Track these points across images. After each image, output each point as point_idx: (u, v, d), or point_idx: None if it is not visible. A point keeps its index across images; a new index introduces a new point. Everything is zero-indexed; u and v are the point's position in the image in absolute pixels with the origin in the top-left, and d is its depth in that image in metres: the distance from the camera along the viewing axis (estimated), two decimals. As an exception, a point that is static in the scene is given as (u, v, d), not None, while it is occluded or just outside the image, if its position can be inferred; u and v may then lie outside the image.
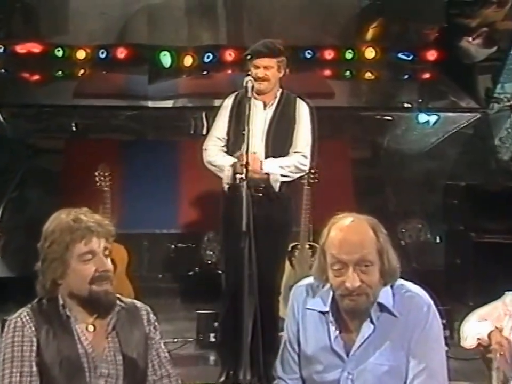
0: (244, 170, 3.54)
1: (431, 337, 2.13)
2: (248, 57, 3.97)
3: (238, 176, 3.68)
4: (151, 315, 2.24)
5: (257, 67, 3.92)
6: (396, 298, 2.14)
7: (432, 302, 2.17)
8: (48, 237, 2.09)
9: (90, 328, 2.11)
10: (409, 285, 2.21)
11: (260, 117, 3.94)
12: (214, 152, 3.99)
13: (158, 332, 2.24)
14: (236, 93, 4.05)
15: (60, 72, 6.73)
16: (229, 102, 4.05)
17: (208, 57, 6.55)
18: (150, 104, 6.54)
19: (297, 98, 4.07)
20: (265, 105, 3.99)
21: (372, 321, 2.12)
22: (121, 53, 6.54)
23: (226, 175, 3.88)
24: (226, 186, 3.90)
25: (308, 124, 4.02)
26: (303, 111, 4.03)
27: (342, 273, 2.06)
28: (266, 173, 3.88)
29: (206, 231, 6.01)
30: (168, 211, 6.06)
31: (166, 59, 6.49)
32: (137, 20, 6.59)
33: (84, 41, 6.58)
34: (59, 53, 6.55)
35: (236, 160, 3.84)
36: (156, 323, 2.23)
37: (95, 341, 2.10)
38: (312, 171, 4.78)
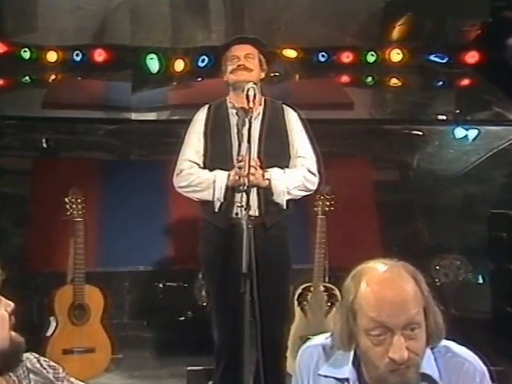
0: (245, 198, 3.50)
1: None
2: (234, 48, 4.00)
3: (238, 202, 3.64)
4: (41, 359, 2.22)
5: (235, 56, 3.96)
6: (440, 365, 2.02)
7: (485, 369, 2.06)
8: None
9: None
10: (454, 346, 2.09)
11: (245, 131, 3.90)
12: (195, 170, 3.96)
13: (57, 367, 2.23)
14: (209, 105, 4.09)
15: (27, 78, 6.72)
16: (202, 115, 4.07)
17: (202, 61, 6.54)
18: (134, 116, 6.51)
19: (284, 106, 4.11)
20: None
21: None
22: (99, 56, 6.53)
23: (218, 185, 3.84)
24: (218, 204, 3.89)
25: (304, 134, 4.05)
26: (294, 120, 4.07)
27: (383, 340, 1.91)
28: (267, 179, 3.83)
29: (200, 267, 5.94)
30: (154, 244, 6.05)
31: (153, 63, 6.48)
32: (118, 17, 6.59)
33: (56, 41, 6.57)
34: (26, 54, 6.53)
35: (228, 173, 3.81)
36: (48, 362, 2.24)
37: None
38: (328, 196, 4.76)
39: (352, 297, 1.97)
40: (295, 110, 4.10)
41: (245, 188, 3.55)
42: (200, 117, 4.10)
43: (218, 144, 3.95)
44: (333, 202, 4.87)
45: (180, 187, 4.01)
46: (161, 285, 6.11)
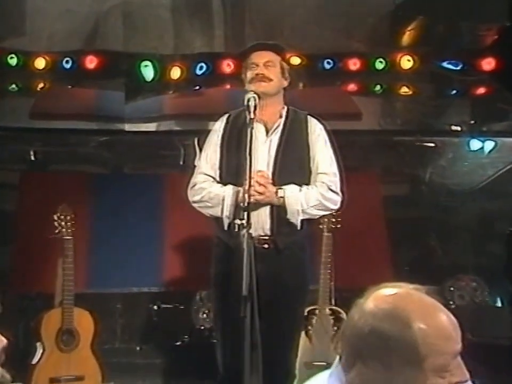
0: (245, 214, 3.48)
1: None
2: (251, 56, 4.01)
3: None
4: None
5: (254, 64, 3.95)
6: None
7: None
8: None
9: None
10: None
11: (262, 145, 3.91)
12: (207, 185, 3.95)
13: None
14: (228, 114, 4.07)
15: (14, 86, 6.75)
16: (220, 126, 4.06)
17: (200, 68, 6.56)
18: (127, 127, 6.51)
19: (308, 117, 4.05)
20: (267, 130, 3.96)
21: None
22: (90, 62, 6.55)
23: (227, 202, 3.85)
24: (227, 222, 3.88)
25: (328, 149, 4.02)
26: (318, 133, 4.05)
27: (449, 370, 1.82)
28: (281, 197, 3.83)
29: (198, 288, 5.95)
30: (149, 264, 6.02)
31: (147, 71, 6.49)
32: (111, 21, 6.61)
33: (44, 47, 6.59)
34: (12, 60, 6.55)
35: (237, 189, 3.84)
36: None
37: None
38: (334, 213, 4.74)
39: (412, 343, 1.84)
40: (320, 122, 4.07)
41: (245, 204, 3.54)
42: (218, 128, 4.08)
43: (234, 158, 3.94)
44: (339, 219, 4.85)
45: (194, 201, 4.01)
46: (156, 307, 6.09)
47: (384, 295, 1.85)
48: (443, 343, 1.80)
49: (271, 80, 3.96)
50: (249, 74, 3.98)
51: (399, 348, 1.79)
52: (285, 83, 4.06)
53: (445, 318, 1.84)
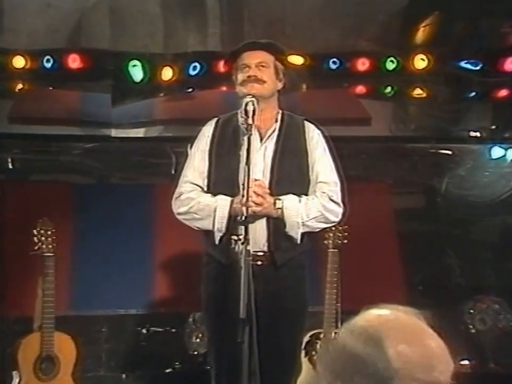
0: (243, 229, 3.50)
1: None
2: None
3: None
4: None
5: (246, 65, 3.97)
6: None
7: None
8: None
9: None
10: None
11: (256, 152, 3.95)
12: (195, 195, 3.96)
13: None
14: (217, 118, 4.12)
15: (-10, 87, 6.73)
16: (208, 131, 4.07)
17: (194, 68, 6.56)
18: (114, 133, 6.53)
19: (305, 122, 4.10)
20: (261, 136, 3.98)
21: None
22: (74, 62, 6.54)
23: (219, 214, 3.86)
24: (218, 235, 3.89)
25: (327, 156, 4.05)
26: (316, 139, 4.09)
27: None
28: (279, 208, 3.83)
29: (191, 310, 5.96)
30: (138, 283, 6.03)
31: (136, 71, 6.49)
32: (96, 17, 6.61)
33: (24, 44, 6.58)
34: (-12, 59, 6.54)
35: (231, 199, 3.86)
36: None
37: None
38: (340, 227, 4.75)
39: (378, 365, 1.86)
40: (318, 127, 4.10)
41: (243, 218, 3.55)
42: (206, 133, 4.10)
43: (224, 166, 3.96)
44: (346, 234, 4.86)
45: (179, 213, 4.02)
46: (144, 331, 6.09)
47: (369, 314, 1.83)
48: (417, 370, 1.82)
49: (264, 82, 3.99)
50: (241, 76, 4.00)
51: (364, 368, 1.78)
52: (279, 85, 4.09)
53: (430, 345, 1.85)
